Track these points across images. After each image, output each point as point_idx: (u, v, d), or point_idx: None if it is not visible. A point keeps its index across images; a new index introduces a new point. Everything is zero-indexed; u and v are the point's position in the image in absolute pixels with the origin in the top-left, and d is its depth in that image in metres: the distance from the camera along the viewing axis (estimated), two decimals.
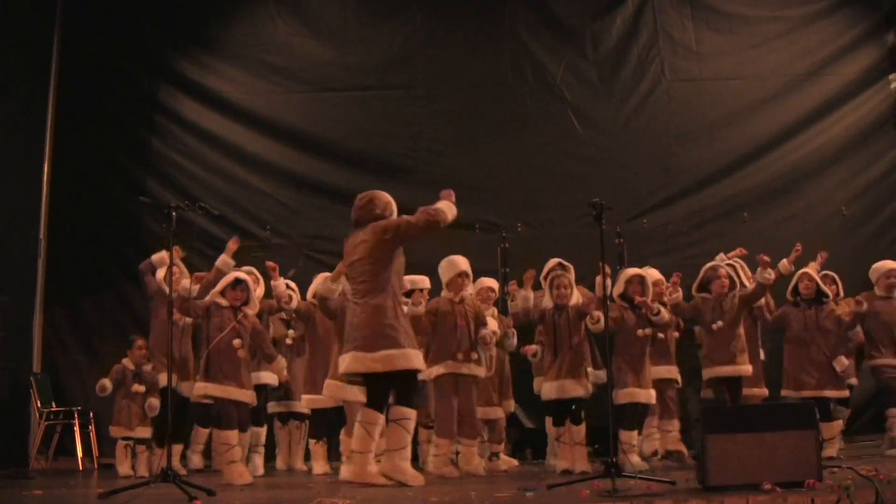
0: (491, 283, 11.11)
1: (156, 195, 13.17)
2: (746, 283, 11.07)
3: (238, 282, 9.98)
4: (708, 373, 10.60)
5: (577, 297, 10.20)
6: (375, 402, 8.68)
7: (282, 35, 14.09)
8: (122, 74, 13.89)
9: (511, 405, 11.31)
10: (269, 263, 10.62)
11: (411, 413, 8.75)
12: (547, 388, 10.02)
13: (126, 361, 11.00)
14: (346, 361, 8.58)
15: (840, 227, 13.86)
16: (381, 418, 8.70)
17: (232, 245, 10.16)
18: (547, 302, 10.20)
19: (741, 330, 10.57)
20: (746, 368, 10.46)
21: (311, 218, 13.64)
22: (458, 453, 10.16)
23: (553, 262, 11.22)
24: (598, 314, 9.77)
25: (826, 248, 11.64)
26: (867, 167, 14.10)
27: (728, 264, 11.21)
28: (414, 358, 8.60)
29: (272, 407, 11.48)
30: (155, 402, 10.75)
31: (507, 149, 13.82)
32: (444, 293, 10.19)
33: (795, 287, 11.03)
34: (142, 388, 10.88)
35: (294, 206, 13.70)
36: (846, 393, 10.93)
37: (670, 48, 14.18)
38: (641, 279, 10.24)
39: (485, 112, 13.93)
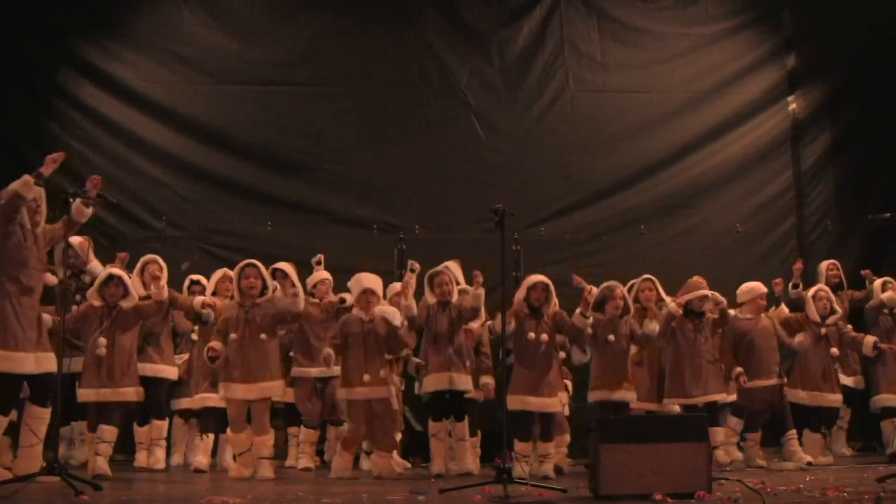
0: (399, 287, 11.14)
1: (51, 180, 12.86)
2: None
3: (111, 278, 9.96)
4: (595, 396, 10.68)
5: (457, 294, 10.29)
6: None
7: (188, 25, 13.84)
8: (22, 55, 13.46)
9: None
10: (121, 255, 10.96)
11: (45, 413, 8.82)
12: (427, 381, 10.13)
13: None
14: None
15: (734, 244, 14.11)
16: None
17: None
18: (430, 299, 10.23)
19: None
20: (632, 395, 10.59)
21: (208, 211, 13.45)
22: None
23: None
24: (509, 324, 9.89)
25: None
26: (763, 186, 14.38)
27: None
28: (22, 362, 8.57)
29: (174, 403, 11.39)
30: None
31: (409, 151, 13.80)
32: (355, 310, 10.09)
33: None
34: None
35: (191, 198, 13.48)
36: (733, 397, 11.06)
37: (576, 59, 14.27)
38: (545, 286, 10.20)
39: (388, 113, 13.87)
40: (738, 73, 14.56)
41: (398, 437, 11.31)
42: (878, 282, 12.19)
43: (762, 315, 11.21)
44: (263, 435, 9.80)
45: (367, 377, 9.73)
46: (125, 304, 9.95)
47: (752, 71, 14.61)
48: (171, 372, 10.94)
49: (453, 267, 10.92)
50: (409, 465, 10.96)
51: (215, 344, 9.63)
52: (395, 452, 10.46)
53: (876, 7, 14.60)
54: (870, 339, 11.37)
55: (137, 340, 10.26)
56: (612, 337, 10.48)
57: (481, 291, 9.93)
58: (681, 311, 10.78)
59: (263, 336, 9.75)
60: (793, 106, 14.56)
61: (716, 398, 10.73)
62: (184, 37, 13.83)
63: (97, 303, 9.90)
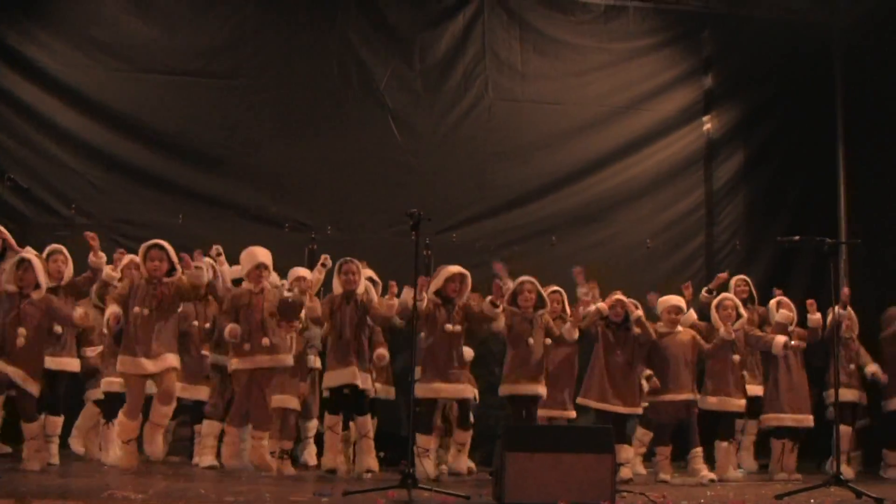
0: (303, 272, 10.93)
1: None
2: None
3: (21, 261, 9.65)
4: (506, 389, 10.70)
5: (364, 286, 10.25)
6: None
7: (109, 9, 13.57)
8: None
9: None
10: (89, 234, 10.51)
11: None
12: (328, 376, 10.05)
13: None
14: None
15: (643, 259, 14.29)
16: None
17: None
18: (336, 289, 10.19)
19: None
20: (543, 389, 10.61)
21: (118, 200, 13.19)
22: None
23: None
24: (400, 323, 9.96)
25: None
26: (674, 203, 14.61)
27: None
28: None
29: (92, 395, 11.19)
30: None
31: (324, 149, 13.72)
32: (244, 284, 10.06)
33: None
34: None
35: (102, 186, 13.19)
36: (640, 411, 11.10)
37: (496, 67, 14.34)
38: (462, 277, 10.24)
39: (305, 109, 13.79)
40: (655, 90, 14.77)
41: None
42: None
43: (681, 329, 11.25)
44: (168, 406, 9.72)
45: (247, 346, 9.70)
46: (35, 295, 9.63)
47: (669, 89, 14.84)
48: (73, 364, 10.78)
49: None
50: (293, 472, 10.72)
51: (116, 309, 9.48)
52: (286, 460, 10.38)
53: (791, 33, 14.87)
54: (780, 339, 11.21)
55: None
56: (531, 340, 10.53)
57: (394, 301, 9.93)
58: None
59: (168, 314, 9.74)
60: (707, 125, 14.81)
61: (624, 411, 10.77)
62: (103, 22, 13.55)
63: (11, 288, 9.58)
